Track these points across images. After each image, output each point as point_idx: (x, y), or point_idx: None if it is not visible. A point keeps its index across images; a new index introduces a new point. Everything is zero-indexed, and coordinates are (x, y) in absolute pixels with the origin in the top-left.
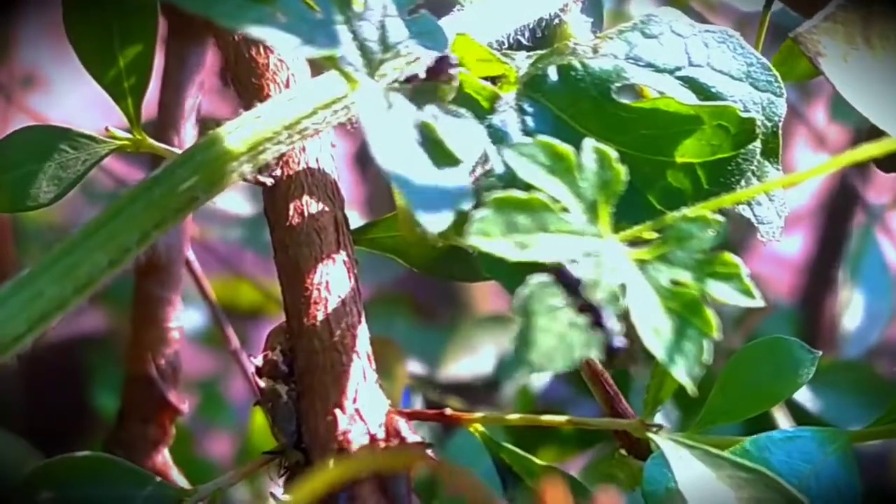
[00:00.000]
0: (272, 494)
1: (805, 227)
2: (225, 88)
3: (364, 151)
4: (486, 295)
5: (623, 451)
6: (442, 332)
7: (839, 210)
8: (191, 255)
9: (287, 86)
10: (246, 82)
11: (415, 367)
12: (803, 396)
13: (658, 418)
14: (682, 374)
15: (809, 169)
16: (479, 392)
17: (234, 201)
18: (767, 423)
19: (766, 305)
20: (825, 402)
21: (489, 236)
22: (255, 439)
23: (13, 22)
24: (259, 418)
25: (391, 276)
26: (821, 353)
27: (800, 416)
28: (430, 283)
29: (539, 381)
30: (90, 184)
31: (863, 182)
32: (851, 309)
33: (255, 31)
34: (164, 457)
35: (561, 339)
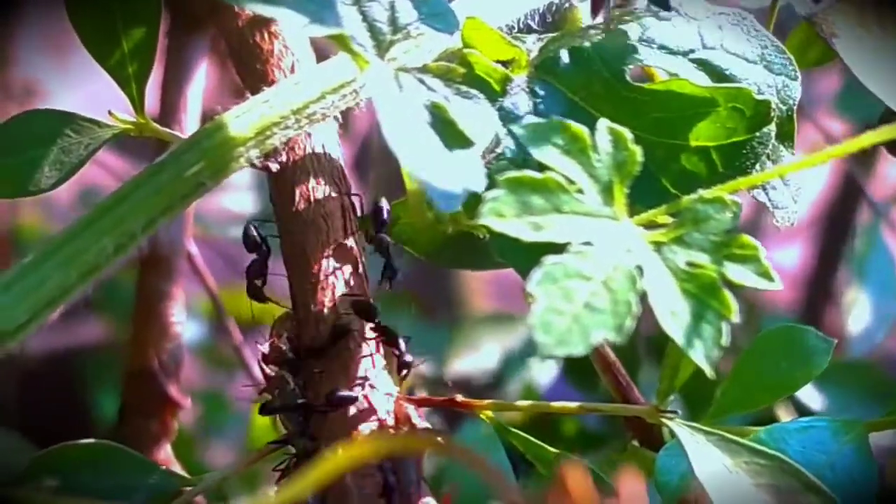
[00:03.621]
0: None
1: (803, 239)
2: (226, 79)
3: (363, 157)
4: (481, 295)
5: (635, 443)
6: (444, 329)
7: (838, 221)
8: (193, 248)
9: (292, 72)
10: (251, 68)
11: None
12: (809, 397)
13: None
14: (700, 356)
15: (823, 152)
16: (484, 390)
17: (238, 200)
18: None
19: (775, 289)
20: (831, 402)
21: (503, 217)
22: (255, 438)
23: (11, 33)
24: (258, 419)
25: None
26: (836, 341)
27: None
28: (427, 282)
29: (543, 378)
30: (95, 192)
31: (867, 180)
32: (857, 308)
33: (263, 9)
34: (166, 452)
35: (576, 321)
